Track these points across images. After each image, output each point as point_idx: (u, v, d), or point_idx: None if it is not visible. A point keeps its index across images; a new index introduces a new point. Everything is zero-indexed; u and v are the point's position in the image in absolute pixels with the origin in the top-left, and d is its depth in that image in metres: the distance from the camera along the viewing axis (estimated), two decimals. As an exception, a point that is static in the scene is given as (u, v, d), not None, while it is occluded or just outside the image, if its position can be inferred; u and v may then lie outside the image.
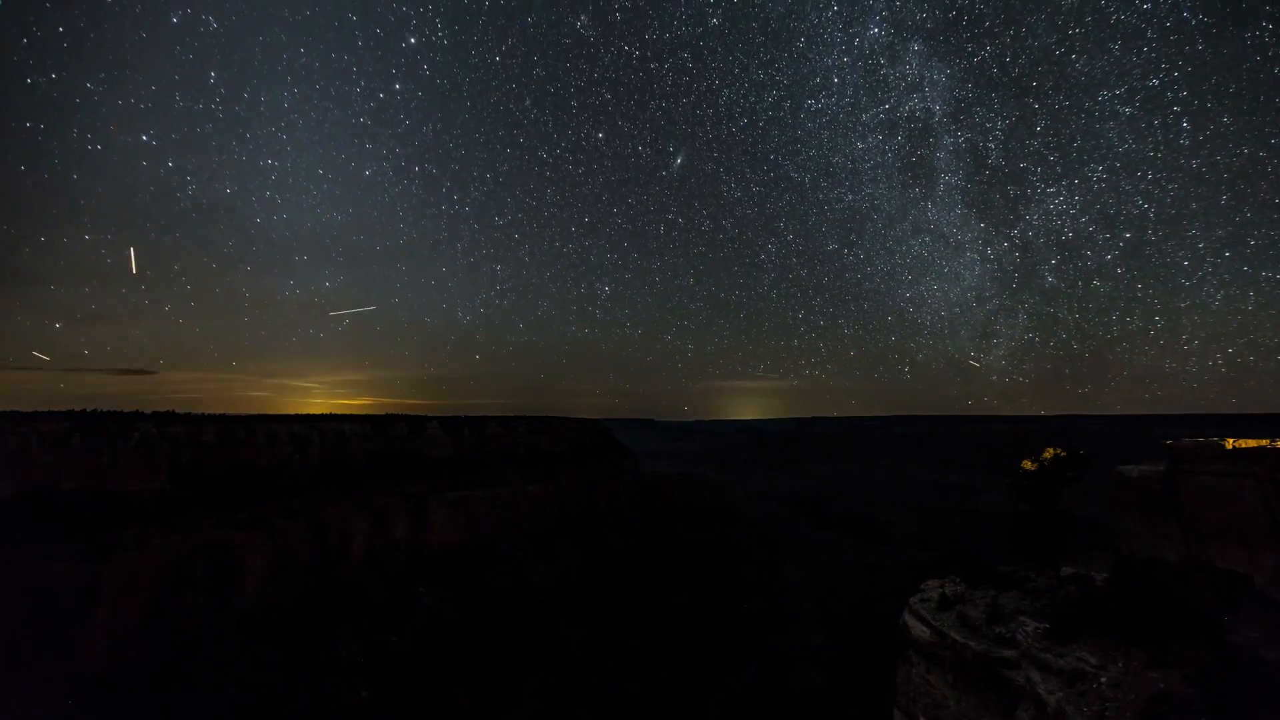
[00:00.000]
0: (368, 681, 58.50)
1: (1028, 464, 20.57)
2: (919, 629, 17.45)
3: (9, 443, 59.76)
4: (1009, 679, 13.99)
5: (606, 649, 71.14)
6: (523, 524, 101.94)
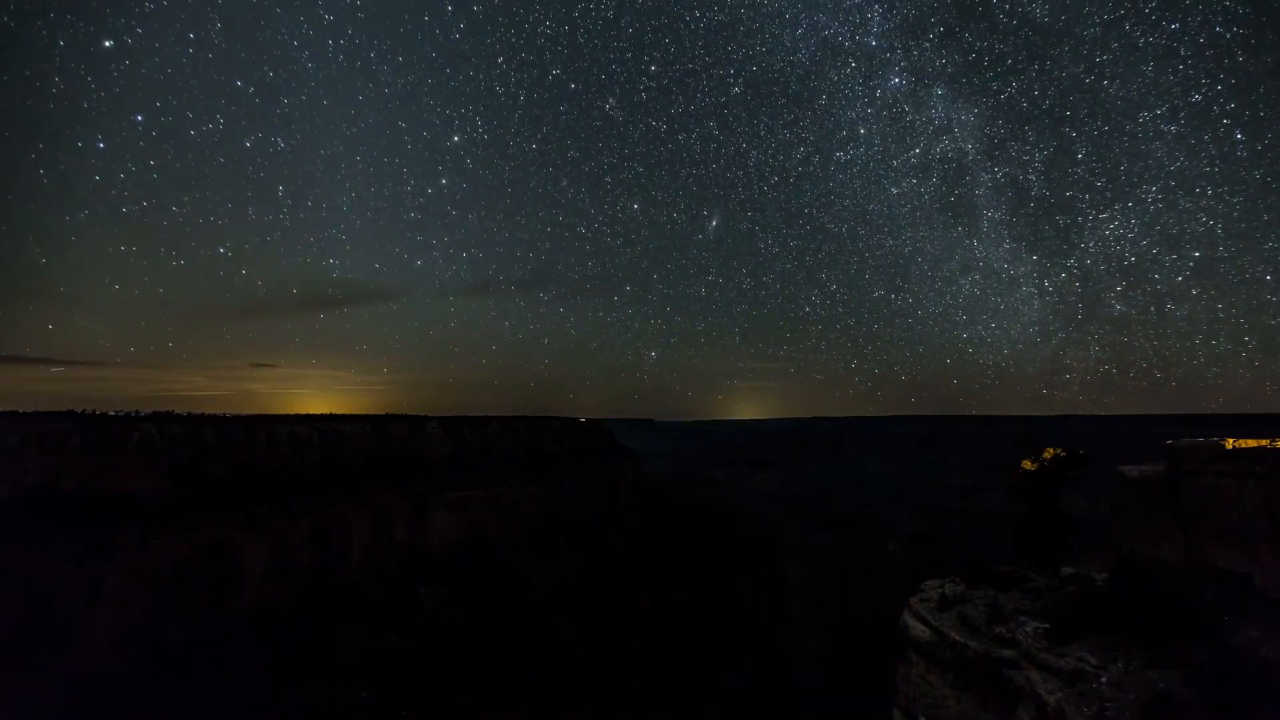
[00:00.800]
0: (368, 681, 58.50)
1: (1028, 464, 20.56)
2: (919, 629, 17.44)
3: (9, 443, 59.79)
4: (1009, 679, 13.99)
5: (606, 649, 71.15)
6: (523, 524, 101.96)
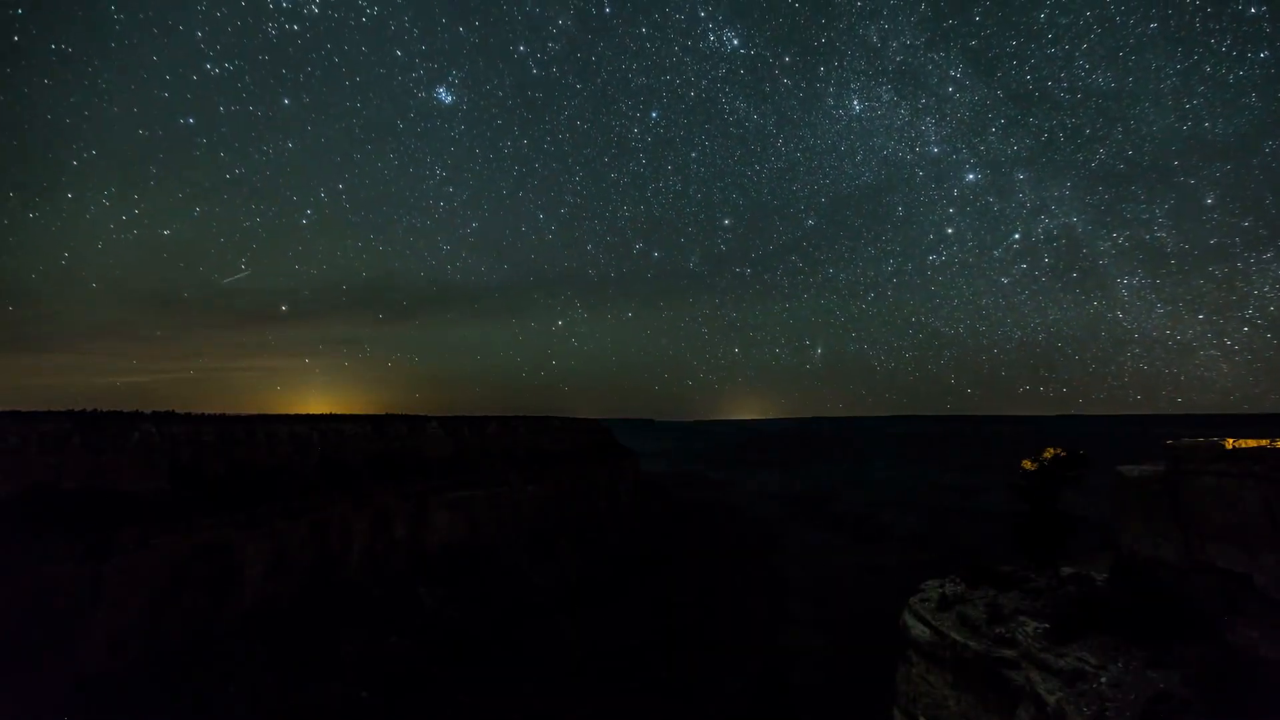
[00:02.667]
0: (368, 681, 58.50)
1: (1028, 464, 20.53)
2: (919, 629, 17.44)
3: (9, 443, 59.77)
4: (1009, 679, 14.00)
5: (606, 649, 71.15)
6: (523, 524, 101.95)
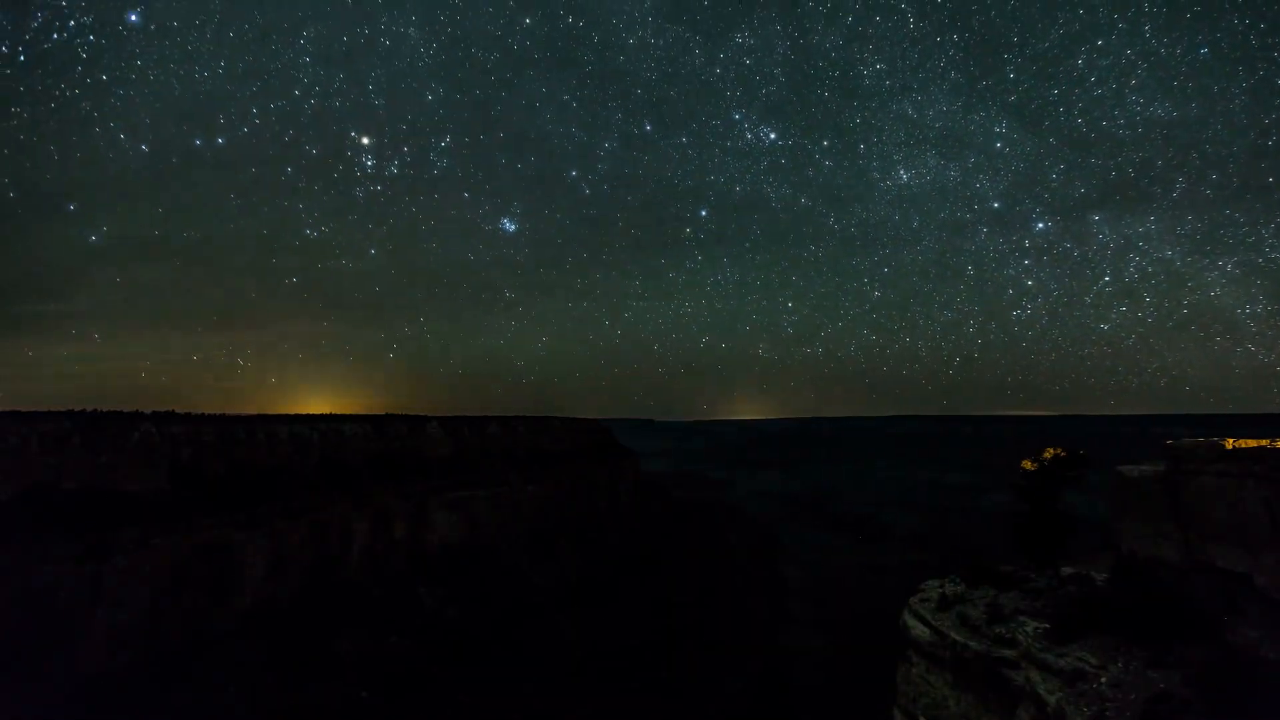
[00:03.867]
0: (368, 681, 58.48)
1: (1028, 464, 20.52)
2: (919, 629, 17.44)
3: (9, 443, 59.78)
4: (1009, 679, 13.99)
5: (606, 649, 71.13)
6: (523, 524, 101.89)
